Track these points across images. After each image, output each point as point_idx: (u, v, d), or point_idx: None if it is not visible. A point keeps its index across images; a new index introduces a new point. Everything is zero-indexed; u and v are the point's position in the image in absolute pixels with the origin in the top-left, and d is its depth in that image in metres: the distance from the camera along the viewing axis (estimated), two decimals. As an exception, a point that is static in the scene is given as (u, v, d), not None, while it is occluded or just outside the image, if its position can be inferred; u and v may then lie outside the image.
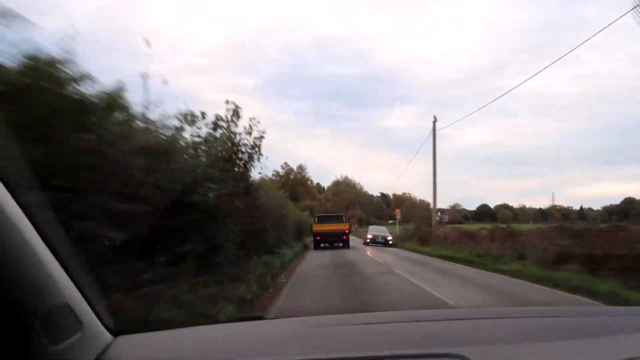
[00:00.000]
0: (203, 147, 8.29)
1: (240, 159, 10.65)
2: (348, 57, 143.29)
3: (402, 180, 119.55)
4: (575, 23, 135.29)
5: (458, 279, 12.74)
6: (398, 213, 61.43)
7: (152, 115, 6.00)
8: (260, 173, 12.07)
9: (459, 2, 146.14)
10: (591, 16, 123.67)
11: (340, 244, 29.97)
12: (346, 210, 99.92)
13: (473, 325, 1.83)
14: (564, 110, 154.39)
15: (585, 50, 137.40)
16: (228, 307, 6.15)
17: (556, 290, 10.52)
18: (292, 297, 9.45)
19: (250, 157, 11.01)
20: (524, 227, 25.47)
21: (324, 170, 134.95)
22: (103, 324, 1.48)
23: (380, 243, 33.47)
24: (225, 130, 9.73)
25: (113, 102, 5.11)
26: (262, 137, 11.48)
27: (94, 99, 4.92)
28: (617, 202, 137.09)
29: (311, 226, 32.19)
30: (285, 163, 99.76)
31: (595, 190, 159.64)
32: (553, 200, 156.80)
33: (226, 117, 10.04)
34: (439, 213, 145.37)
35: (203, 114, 8.58)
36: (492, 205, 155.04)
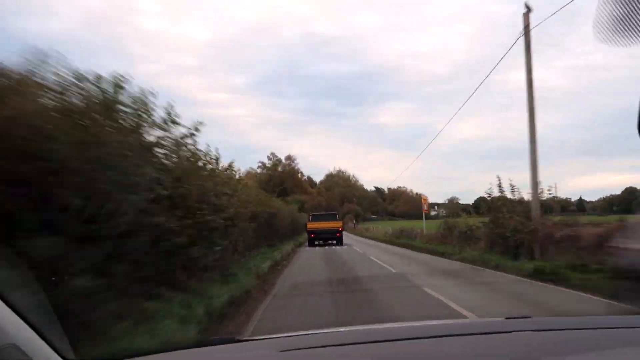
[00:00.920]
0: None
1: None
2: (342, 54, 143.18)
3: (394, 174, 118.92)
4: (565, 14, 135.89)
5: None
6: (424, 201, 37.98)
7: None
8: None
9: None
10: (582, 5, 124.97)
11: (334, 242, 30.94)
12: (340, 204, 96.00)
13: (472, 341, 1.79)
14: (557, 103, 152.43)
15: (581, 42, 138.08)
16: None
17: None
18: None
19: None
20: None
21: (317, 167, 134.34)
22: (61, 356, 1.47)
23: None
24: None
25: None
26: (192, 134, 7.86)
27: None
28: (617, 192, 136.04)
29: (305, 224, 33.18)
30: (272, 153, 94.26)
31: (592, 182, 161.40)
32: (556, 191, 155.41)
33: None
34: (435, 207, 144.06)
35: None
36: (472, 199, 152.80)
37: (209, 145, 9.78)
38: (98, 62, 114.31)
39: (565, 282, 9.79)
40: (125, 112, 5.56)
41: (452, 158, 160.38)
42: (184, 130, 7.55)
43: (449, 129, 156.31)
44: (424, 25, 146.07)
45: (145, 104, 5.94)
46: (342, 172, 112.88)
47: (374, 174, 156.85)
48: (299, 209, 51.60)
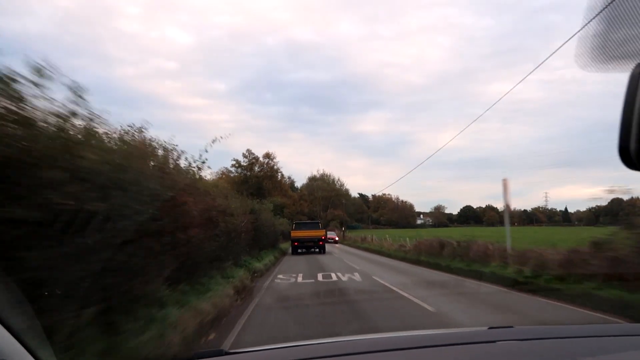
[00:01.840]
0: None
1: None
2: (321, 62, 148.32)
3: (377, 182, 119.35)
4: (541, 30, 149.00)
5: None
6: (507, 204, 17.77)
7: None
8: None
9: (429, 9, 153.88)
10: (557, 22, 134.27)
11: (317, 250, 32.75)
12: (324, 210, 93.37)
13: (461, 352, 1.83)
14: (532, 115, 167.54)
15: (553, 58, 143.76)
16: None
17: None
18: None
19: None
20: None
21: (297, 174, 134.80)
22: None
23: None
24: None
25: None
26: None
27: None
28: (603, 203, 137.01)
29: (290, 232, 35.06)
30: (248, 151, 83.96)
31: (566, 192, 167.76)
32: (546, 201, 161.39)
33: None
34: (421, 215, 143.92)
35: None
36: (458, 208, 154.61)
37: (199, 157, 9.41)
38: (76, 63, 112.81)
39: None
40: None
41: (432, 168, 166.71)
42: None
43: (427, 138, 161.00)
44: (403, 35, 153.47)
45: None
46: (326, 175, 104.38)
47: (354, 181, 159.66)
48: (276, 213, 48.26)
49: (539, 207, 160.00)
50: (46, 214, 3.71)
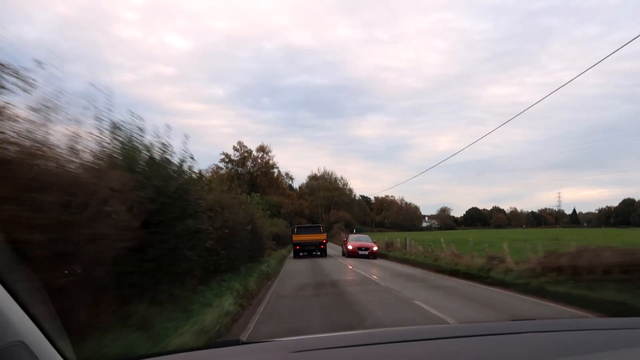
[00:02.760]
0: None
1: None
2: (319, 67, 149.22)
3: (376, 185, 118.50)
4: (539, 33, 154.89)
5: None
6: None
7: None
8: None
9: (426, 13, 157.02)
10: (554, 26, 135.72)
11: (318, 253, 32.38)
12: (326, 211, 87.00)
13: (458, 344, 1.82)
14: (529, 118, 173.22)
15: (551, 60, 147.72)
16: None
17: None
18: None
19: None
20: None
21: (295, 178, 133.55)
22: (64, 357, 1.51)
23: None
24: None
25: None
26: None
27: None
28: (614, 204, 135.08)
29: (291, 237, 35.04)
30: (239, 143, 73.89)
31: (576, 194, 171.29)
32: (559, 202, 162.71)
33: None
34: (426, 218, 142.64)
35: None
36: (463, 210, 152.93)
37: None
38: (74, 70, 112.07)
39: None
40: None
41: (431, 171, 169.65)
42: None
43: (426, 141, 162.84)
44: (400, 39, 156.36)
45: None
46: (328, 173, 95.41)
47: (352, 185, 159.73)
48: (272, 214, 43.25)
49: (545, 208, 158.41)
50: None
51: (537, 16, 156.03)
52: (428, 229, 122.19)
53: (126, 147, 6.80)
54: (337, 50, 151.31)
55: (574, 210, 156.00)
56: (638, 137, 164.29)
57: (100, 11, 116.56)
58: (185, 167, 8.76)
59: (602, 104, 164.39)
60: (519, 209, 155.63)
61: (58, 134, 5.10)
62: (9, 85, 4.59)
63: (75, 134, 5.54)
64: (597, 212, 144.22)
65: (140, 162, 7.02)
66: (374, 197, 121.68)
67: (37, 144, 4.44)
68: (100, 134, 6.24)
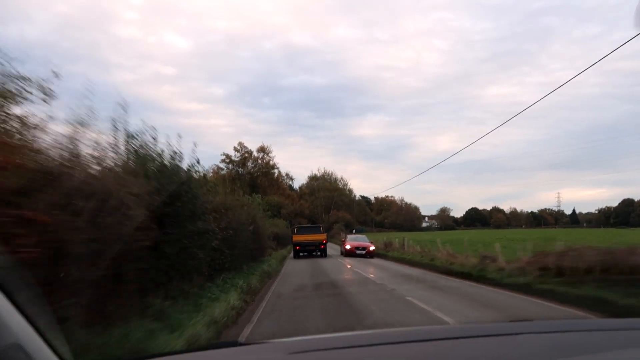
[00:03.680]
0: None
1: None
2: (319, 66, 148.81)
3: (376, 185, 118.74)
4: (539, 33, 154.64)
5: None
6: None
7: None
8: None
9: (426, 13, 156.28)
10: (554, 26, 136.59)
11: (318, 253, 33.02)
12: (326, 212, 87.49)
13: (455, 345, 1.86)
14: (529, 118, 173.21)
15: (551, 60, 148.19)
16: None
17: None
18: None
19: None
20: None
21: (295, 178, 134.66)
22: (61, 358, 1.51)
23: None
24: None
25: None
26: None
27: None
28: (613, 204, 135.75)
29: (292, 237, 35.62)
30: (240, 144, 74.18)
31: (573, 194, 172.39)
32: (559, 202, 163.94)
33: None
34: (426, 218, 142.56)
35: None
36: (462, 210, 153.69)
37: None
38: (74, 69, 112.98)
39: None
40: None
41: (431, 171, 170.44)
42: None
43: (426, 141, 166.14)
44: (400, 39, 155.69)
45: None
46: (328, 174, 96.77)
47: (352, 184, 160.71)
48: (273, 214, 43.64)
49: (545, 209, 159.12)
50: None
51: (537, 16, 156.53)
52: (428, 229, 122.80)
53: (142, 155, 7.54)
54: (337, 50, 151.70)
55: (574, 211, 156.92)
56: (638, 137, 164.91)
57: (100, 11, 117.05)
58: (194, 171, 9.59)
59: (602, 103, 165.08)
60: (518, 209, 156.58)
61: (87, 145, 5.86)
62: (48, 102, 5.37)
63: (100, 144, 6.30)
64: (596, 212, 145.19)
65: (154, 169, 7.77)
66: (374, 198, 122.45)
67: (74, 156, 5.20)
68: (119, 144, 7.01)
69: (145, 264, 6.62)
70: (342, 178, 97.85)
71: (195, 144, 9.93)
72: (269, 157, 76.17)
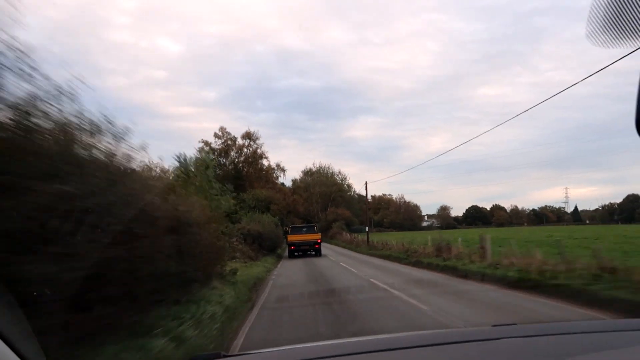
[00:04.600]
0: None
1: None
2: (312, 69, 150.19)
3: (371, 186, 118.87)
4: (529, 34, 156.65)
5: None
6: None
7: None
8: None
9: (418, 15, 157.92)
10: (544, 26, 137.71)
11: (313, 252, 33.58)
12: (324, 209, 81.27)
13: (455, 351, 1.88)
14: (521, 118, 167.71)
15: (541, 60, 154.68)
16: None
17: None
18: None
19: None
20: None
21: (289, 177, 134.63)
22: None
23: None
24: None
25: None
26: None
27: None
28: (618, 200, 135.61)
29: (286, 237, 36.45)
30: (222, 129, 64.46)
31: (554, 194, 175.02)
32: (566, 198, 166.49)
33: None
34: (425, 217, 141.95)
35: None
36: (462, 209, 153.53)
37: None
38: (66, 74, 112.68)
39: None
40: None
41: (421, 171, 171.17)
42: None
43: (419, 142, 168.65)
44: (392, 41, 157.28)
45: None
46: (325, 167, 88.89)
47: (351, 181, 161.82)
48: (262, 212, 40.22)
49: (546, 206, 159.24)
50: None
51: (528, 17, 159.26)
52: (429, 228, 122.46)
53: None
54: (330, 53, 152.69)
55: (576, 208, 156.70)
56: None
57: (92, 15, 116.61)
58: None
59: (591, 103, 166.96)
60: (519, 207, 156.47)
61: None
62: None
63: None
64: (600, 208, 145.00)
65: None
66: (371, 197, 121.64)
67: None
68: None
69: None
70: (340, 172, 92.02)
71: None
72: (256, 144, 66.20)
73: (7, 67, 4.11)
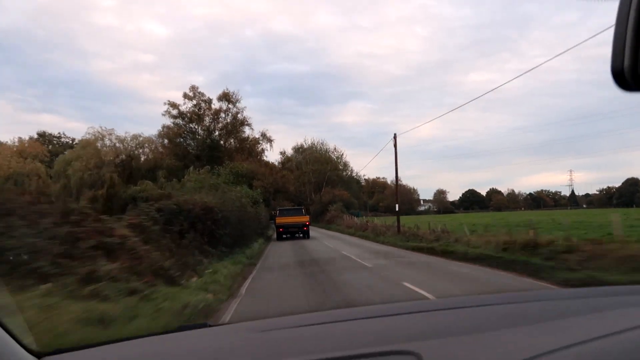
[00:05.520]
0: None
1: None
2: (301, 54, 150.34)
3: (363, 171, 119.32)
4: (518, 20, 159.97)
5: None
6: None
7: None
8: None
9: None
10: (533, 13, 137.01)
11: (301, 235, 34.13)
12: (318, 189, 72.54)
13: (425, 318, 1.94)
14: (509, 104, 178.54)
15: (530, 47, 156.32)
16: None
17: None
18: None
19: None
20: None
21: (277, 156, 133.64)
22: (23, 347, 1.50)
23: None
24: None
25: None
26: None
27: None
28: (617, 184, 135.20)
29: (274, 219, 36.51)
30: (192, 89, 50.51)
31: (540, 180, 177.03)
32: (571, 181, 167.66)
33: None
34: (421, 201, 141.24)
35: None
36: (458, 193, 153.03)
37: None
38: (50, 58, 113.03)
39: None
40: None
41: (413, 157, 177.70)
42: None
43: (408, 128, 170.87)
44: (382, 26, 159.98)
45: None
46: (318, 143, 77.61)
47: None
48: (241, 184, 36.62)
49: (542, 190, 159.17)
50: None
51: (516, 3, 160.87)
52: (426, 212, 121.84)
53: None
54: (318, 37, 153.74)
55: (573, 192, 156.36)
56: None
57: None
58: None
59: (579, 89, 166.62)
60: (516, 191, 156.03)
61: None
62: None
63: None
64: (597, 192, 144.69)
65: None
66: (364, 180, 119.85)
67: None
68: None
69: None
70: (335, 149, 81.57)
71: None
72: (237, 108, 53.08)
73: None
